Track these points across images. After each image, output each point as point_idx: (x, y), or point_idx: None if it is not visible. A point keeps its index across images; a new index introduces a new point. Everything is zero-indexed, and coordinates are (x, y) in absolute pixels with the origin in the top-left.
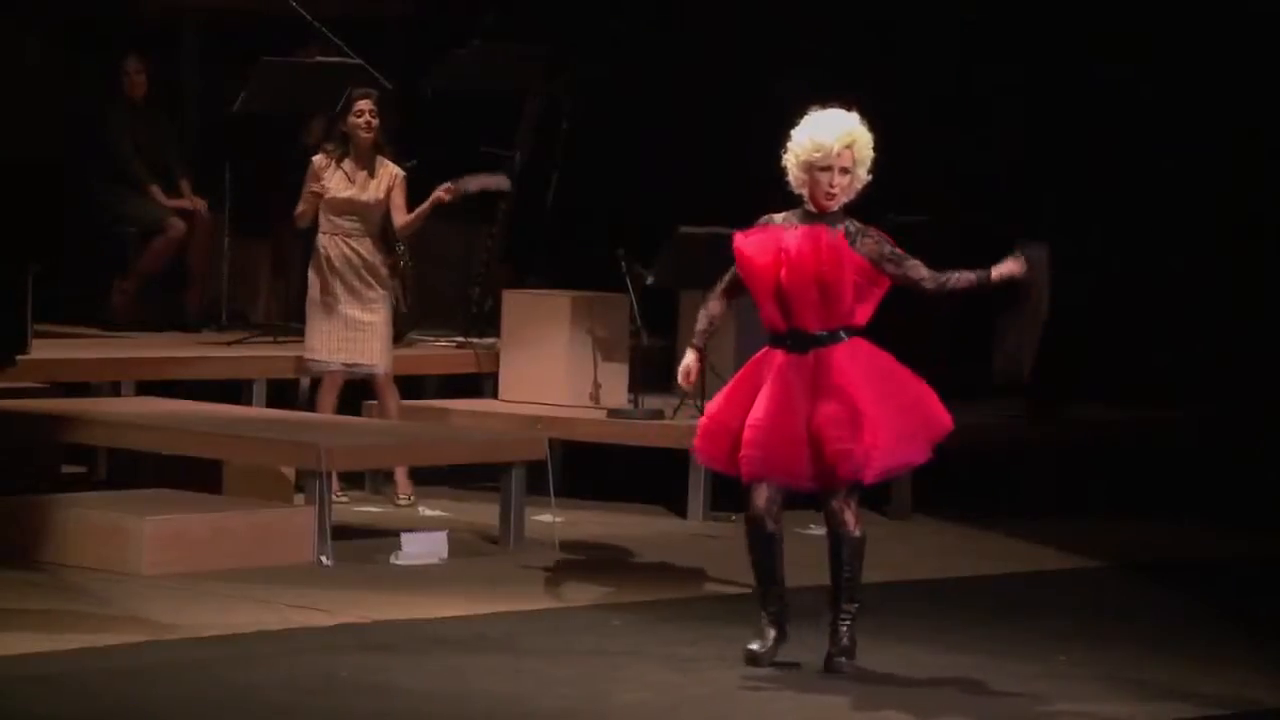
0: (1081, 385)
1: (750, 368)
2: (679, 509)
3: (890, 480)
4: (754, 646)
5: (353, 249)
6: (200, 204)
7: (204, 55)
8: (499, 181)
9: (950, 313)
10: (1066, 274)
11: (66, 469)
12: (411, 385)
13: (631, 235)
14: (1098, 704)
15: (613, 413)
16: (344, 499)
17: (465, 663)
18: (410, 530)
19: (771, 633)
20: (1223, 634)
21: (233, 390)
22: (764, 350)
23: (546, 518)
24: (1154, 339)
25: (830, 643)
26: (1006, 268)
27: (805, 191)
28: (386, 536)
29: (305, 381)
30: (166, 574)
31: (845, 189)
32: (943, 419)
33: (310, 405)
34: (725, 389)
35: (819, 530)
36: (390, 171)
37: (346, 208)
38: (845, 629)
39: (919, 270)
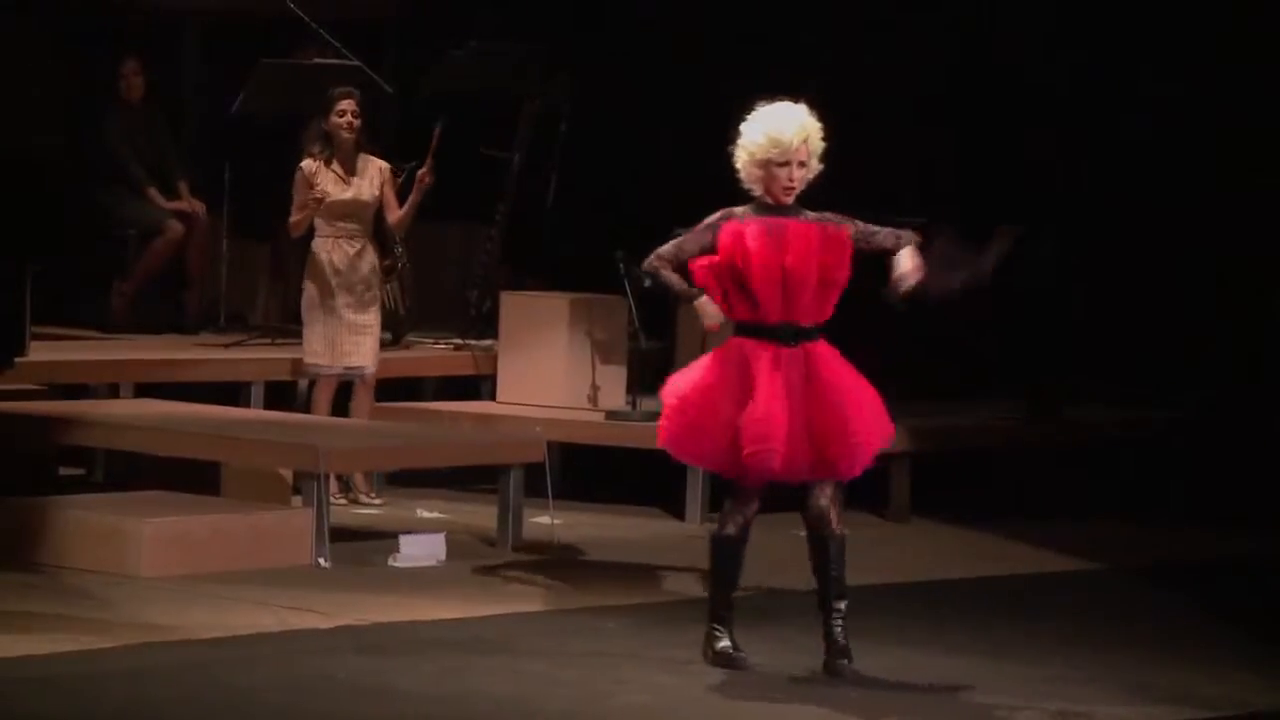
0: (1080, 386)
1: (724, 360)
2: (677, 511)
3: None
4: (726, 644)
5: (354, 251)
6: (198, 206)
7: (203, 57)
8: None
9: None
10: (1067, 275)
11: (64, 471)
12: (410, 387)
13: (630, 237)
14: (1097, 706)
15: (611, 415)
16: (343, 501)
17: (464, 665)
18: (408, 532)
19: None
20: (1223, 636)
21: (231, 392)
22: (736, 341)
23: (545, 520)
24: (1154, 340)
25: (828, 646)
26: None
27: (760, 187)
28: (385, 539)
29: (303, 384)
30: (165, 576)
31: (801, 181)
32: (889, 423)
33: (307, 407)
34: (696, 381)
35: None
36: (377, 166)
37: (346, 210)
38: (840, 629)
39: (887, 238)
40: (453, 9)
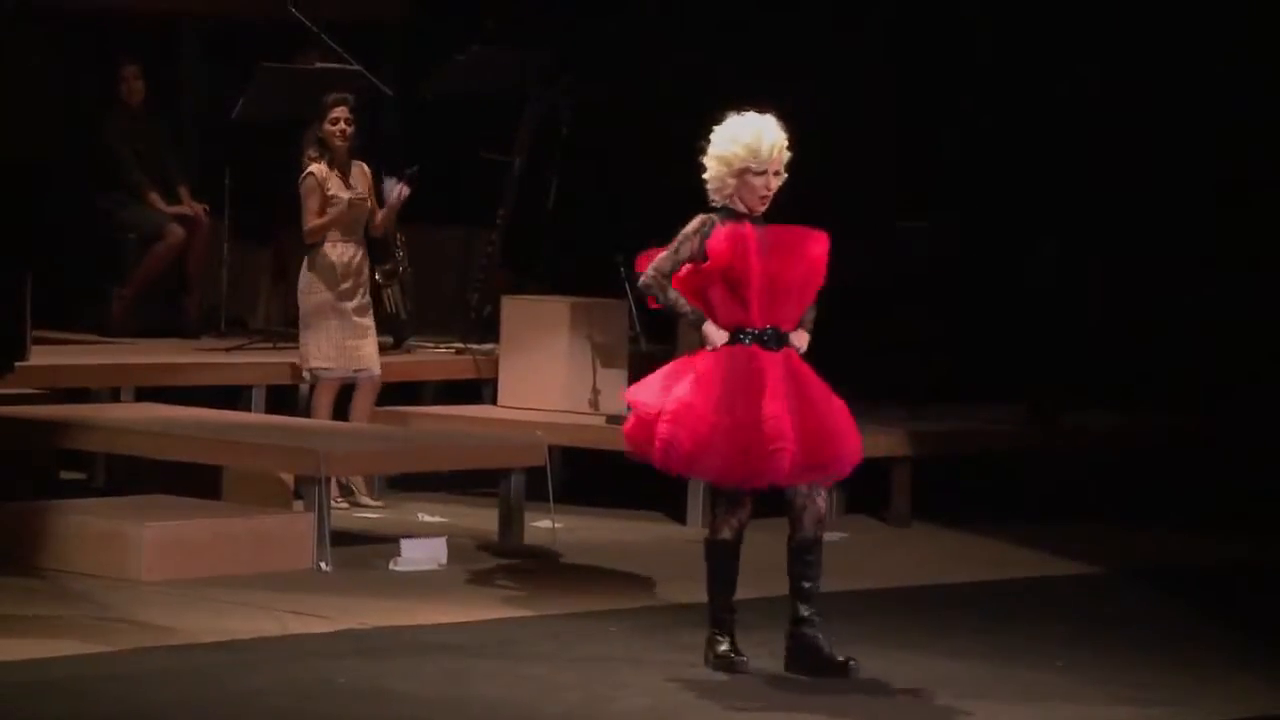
0: (1081, 390)
1: (717, 366)
2: (678, 515)
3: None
4: (727, 649)
5: (357, 254)
6: (200, 208)
7: (203, 61)
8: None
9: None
10: (1068, 279)
11: (65, 475)
12: (410, 391)
13: (630, 241)
14: (1098, 709)
15: (612, 419)
16: (344, 504)
17: (464, 668)
18: (409, 536)
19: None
20: (1224, 639)
21: (232, 396)
22: (730, 349)
23: (546, 524)
24: (1154, 344)
25: (827, 647)
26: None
27: (733, 196)
28: (386, 542)
29: (305, 387)
30: (165, 580)
31: (774, 190)
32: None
33: (308, 411)
34: (703, 394)
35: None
36: (365, 171)
37: (351, 214)
38: (820, 625)
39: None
40: (454, 13)
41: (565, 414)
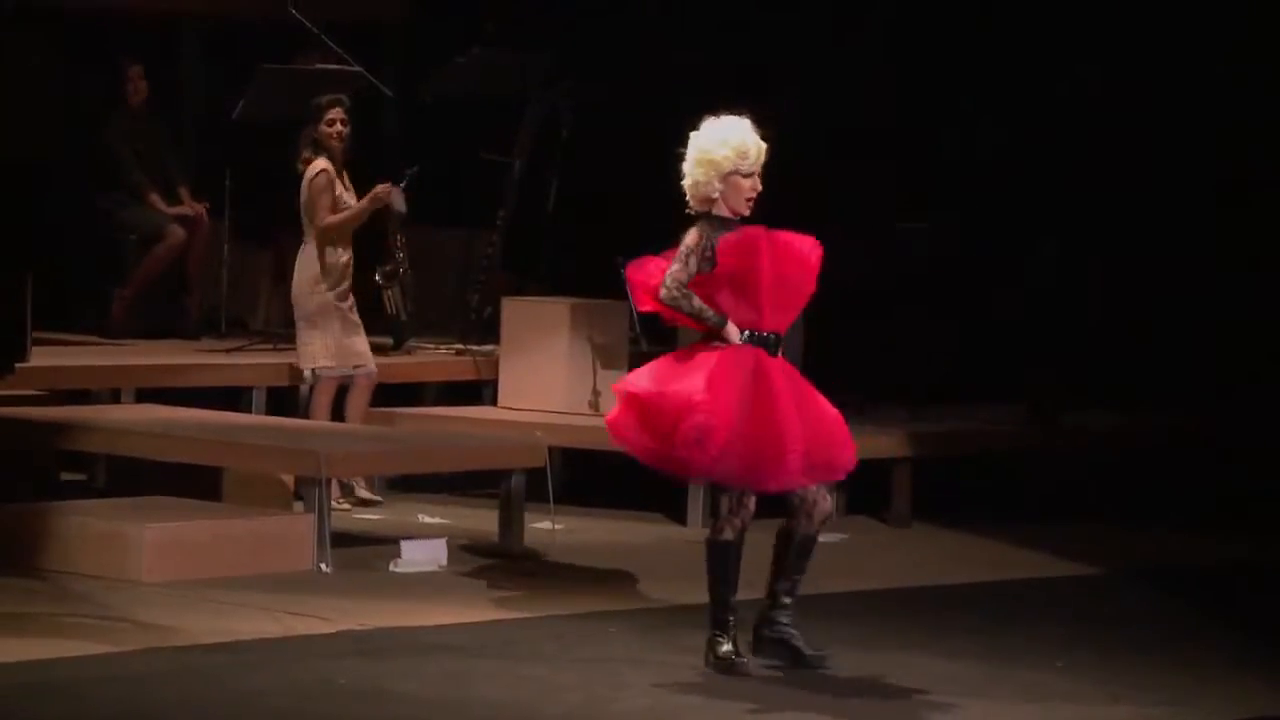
0: (1081, 391)
1: (728, 368)
2: (678, 516)
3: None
4: (729, 649)
5: (351, 254)
6: (200, 208)
7: (203, 62)
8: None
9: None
10: (1068, 279)
11: (66, 476)
12: (411, 392)
13: (631, 242)
14: (1098, 710)
15: None
16: (345, 505)
17: (465, 669)
18: (410, 537)
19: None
20: (1224, 640)
21: (232, 397)
22: (732, 351)
23: (546, 525)
24: (1154, 344)
25: (801, 641)
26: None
27: (719, 200)
28: (386, 544)
29: (305, 389)
30: (166, 581)
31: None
32: None
33: (308, 412)
34: (724, 394)
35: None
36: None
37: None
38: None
39: None
40: (455, 14)
41: (565, 415)
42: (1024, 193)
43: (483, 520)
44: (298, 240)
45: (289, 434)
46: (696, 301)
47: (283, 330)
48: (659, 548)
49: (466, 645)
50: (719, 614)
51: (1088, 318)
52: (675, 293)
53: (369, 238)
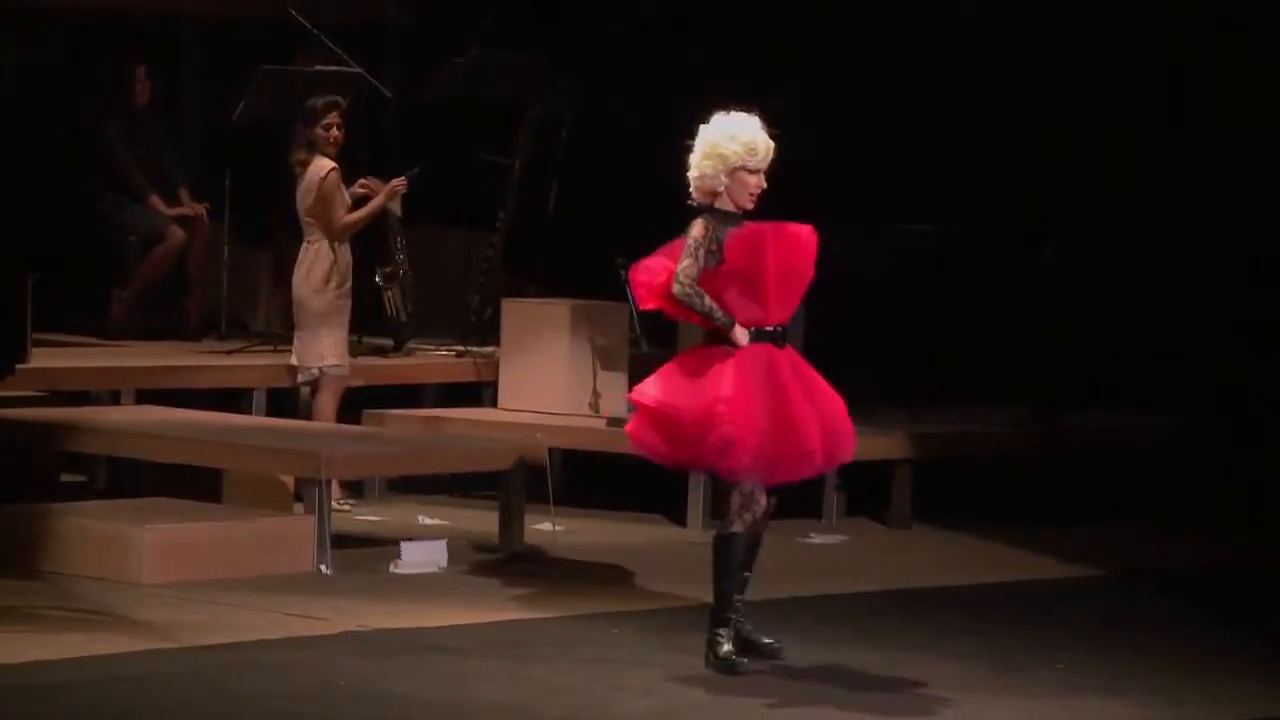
0: (1081, 392)
1: (743, 367)
2: (678, 518)
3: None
4: (729, 649)
5: (350, 255)
6: (200, 209)
7: (203, 64)
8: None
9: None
10: (1067, 281)
11: (66, 478)
12: (411, 394)
13: (631, 244)
14: (1097, 712)
15: (612, 421)
16: (347, 506)
17: (465, 671)
18: (410, 539)
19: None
20: (1224, 642)
21: (232, 399)
22: (744, 353)
23: (546, 526)
24: (1153, 346)
25: (755, 633)
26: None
27: (723, 194)
28: (386, 545)
29: (306, 390)
30: (166, 582)
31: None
32: None
33: (310, 414)
34: (743, 394)
35: (819, 539)
36: None
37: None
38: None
39: None
40: (454, 15)
41: (565, 416)
42: (1024, 194)
43: (483, 521)
44: (297, 241)
45: (289, 435)
46: (708, 300)
47: (283, 331)
48: (659, 548)
49: (467, 646)
50: (721, 612)
51: (1087, 319)
52: (689, 289)
53: (369, 238)
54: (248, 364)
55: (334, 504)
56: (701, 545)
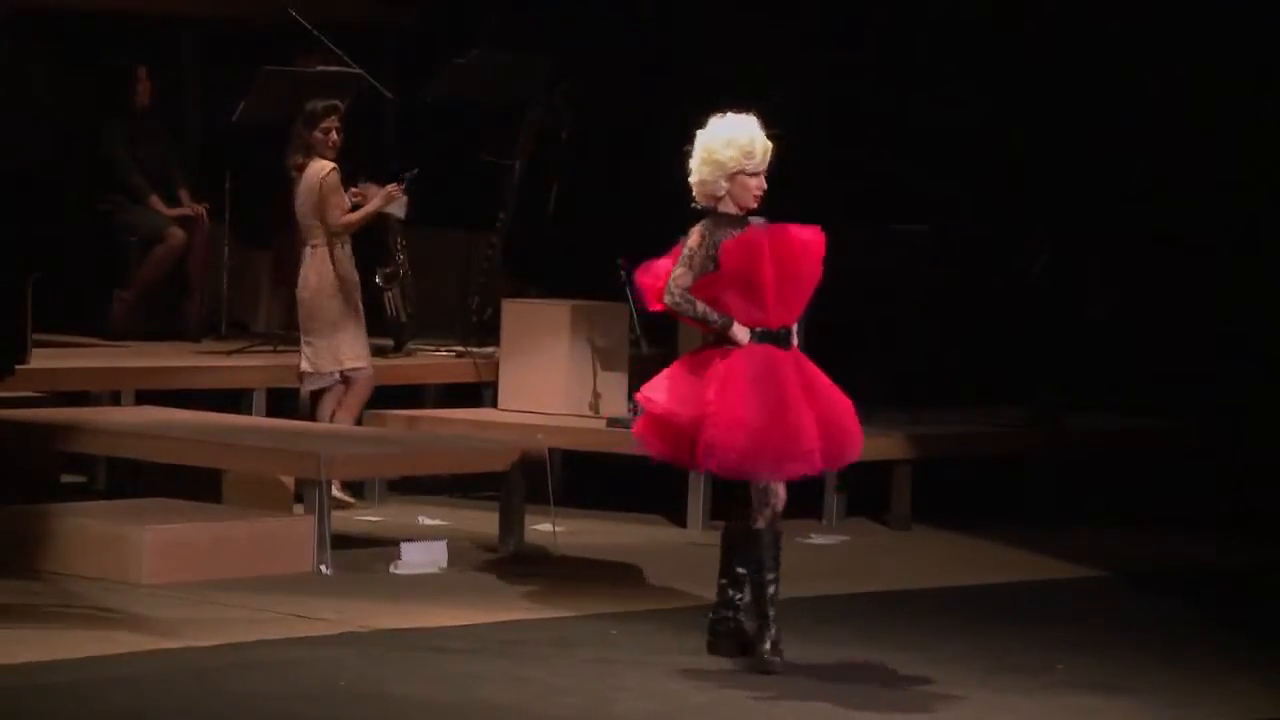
0: (1081, 393)
1: (741, 368)
2: (678, 518)
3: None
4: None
5: (353, 256)
6: (200, 210)
7: (204, 65)
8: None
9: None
10: (1067, 282)
11: (66, 478)
12: (411, 394)
13: (631, 244)
14: (1098, 712)
15: (612, 422)
16: (351, 500)
17: (465, 671)
18: (410, 539)
19: None
20: (1223, 643)
21: (233, 399)
22: (743, 353)
23: (546, 527)
24: (1154, 347)
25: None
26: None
27: (725, 198)
28: (386, 545)
29: (306, 391)
30: (166, 583)
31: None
32: None
33: (312, 415)
34: (736, 395)
35: (819, 539)
36: None
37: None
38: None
39: None
40: (455, 16)
41: (566, 417)
42: (1024, 194)
43: (483, 522)
44: (298, 241)
45: (289, 436)
46: (700, 306)
47: (283, 332)
48: (659, 549)
49: (466, 647)
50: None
51: (1087, 320)
52: (679, 298)
53: (369, 239)
54: (248, 364)
55: (335, 494)
56: (701, 545)
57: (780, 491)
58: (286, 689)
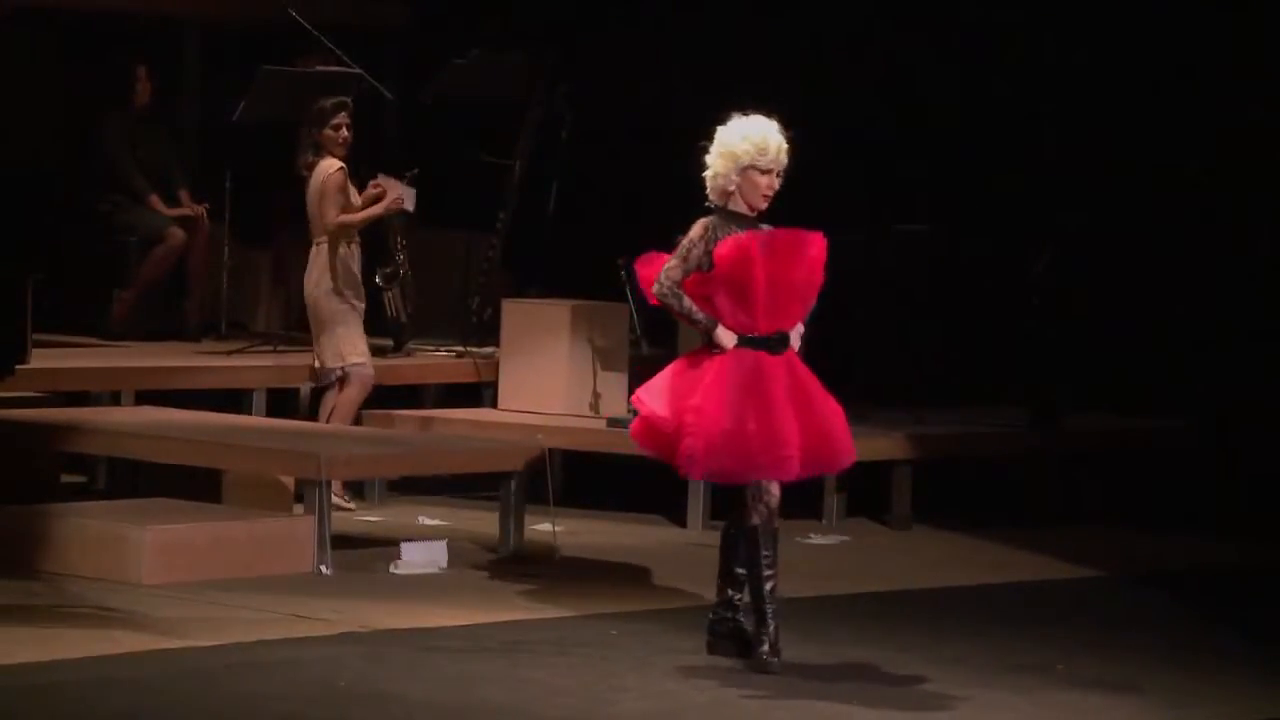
0: (1082, 393)
1: (726, 372)
2: (678, 518)
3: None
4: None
5: (359, 255)
6: (200, 210)
7: (204, 64)
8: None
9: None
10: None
11: (66, 478)
12: (411, 394)
13: (631, 244)
14: (1098, 712)
15: (612, 422)
16: (350, 505)
17: (465, 671)
18: (410, 539)
19: None
20: (1223, 643)
21: (232, 399)
22: (732, 357)
23: (546, 527)
24: (1153, 347)
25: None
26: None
27: (735, 194)
28: (386, 545)
29: (305, 391)
30: (166, 583)
31: (775, 189)
32: None
33: (311, 415)
34: (715, 401)
35: (819, 539)
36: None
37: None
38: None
39: None
40: (456, 17)
41: (566, 417)
42: (1024, 194)
43: (483, 522)
44: (298, 242)
45: (289, 436)
46: (686, 302)
47: (283, 332)
48: (659, 550)
49: (466, 647)
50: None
51: (1088, 321)
52: (666, 290)
53: (369, 239)
54: (248, 364)
55: (335, 499)
56: (701, 546)
57: (774, 490)
58: (286, 689)
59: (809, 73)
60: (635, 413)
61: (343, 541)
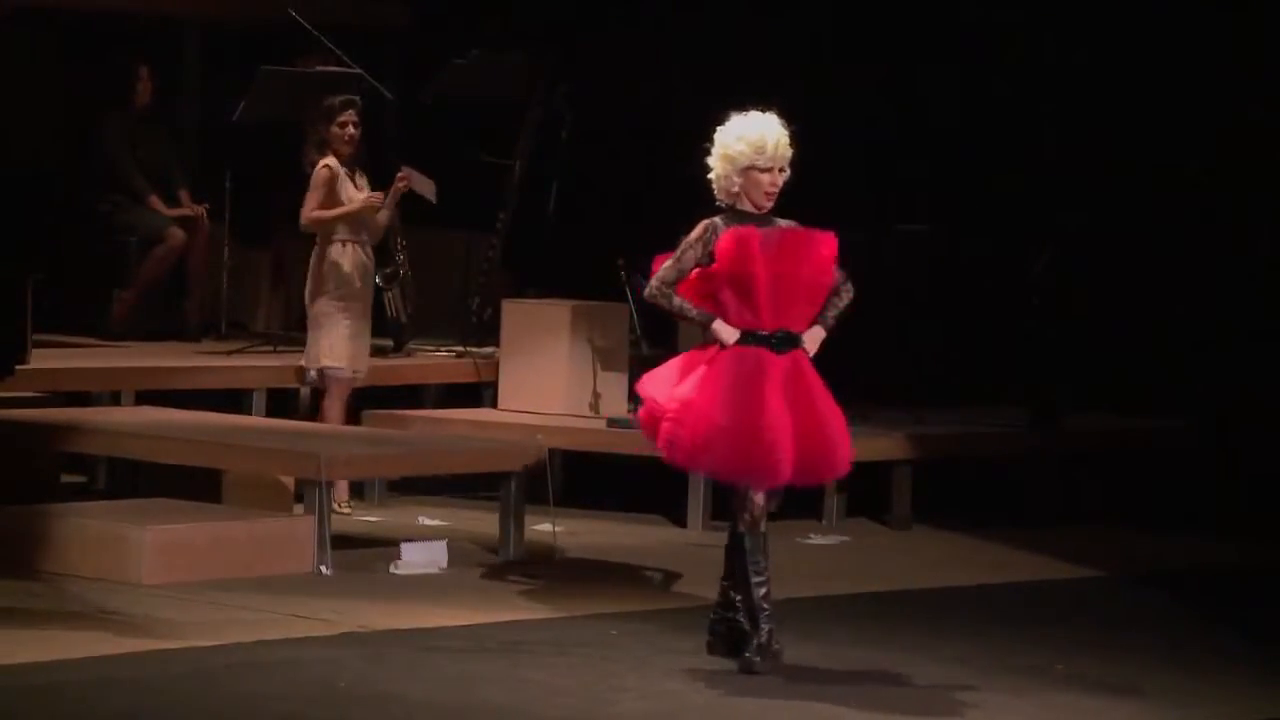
0: (1082, 393)
1: (725, 367)
2: (678, 519)
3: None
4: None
5: (365, 256)
6: (200, 210)
7: (204, 64)
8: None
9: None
10: (1066, 282)
11: (66, 478)
12: (411, 394)
13: (631, 244)
14: (1098, 712)
15: (612, 422)
16: (347, 510)
17: (465, 671)
18: (410, 539)
19: None
20: (1223, 643)
21: (233, 399)
22: (732, 354)
23: (546, 527)
24: (1153, 347)
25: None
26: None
27: (738, 194)
28: (386, 546)
29: (305, 391)
30: (166, 583)
31: (779, 186)
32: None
33: (311, 414)
34: (707, 394)
35: (819, 539)
36: (363, 178)
37: (364, 217)
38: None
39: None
40: (456, 17)
41: (566, 417)
42: (1024, 194)
43: (483, 522)
44: (298, 242)
45: (289, 436)
46: (676, 300)
47: (283, 332)
48: (659, 550)
49: (467, 647)
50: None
51: (1088, 321)
52: (655, 291)
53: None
54: (248, 364)
55: (335, 506)
56: (701, 546)
57: (759, 499)
58: (286, 689)
59: (809, 73)
60: (639, 404)
61: (343, 541)
